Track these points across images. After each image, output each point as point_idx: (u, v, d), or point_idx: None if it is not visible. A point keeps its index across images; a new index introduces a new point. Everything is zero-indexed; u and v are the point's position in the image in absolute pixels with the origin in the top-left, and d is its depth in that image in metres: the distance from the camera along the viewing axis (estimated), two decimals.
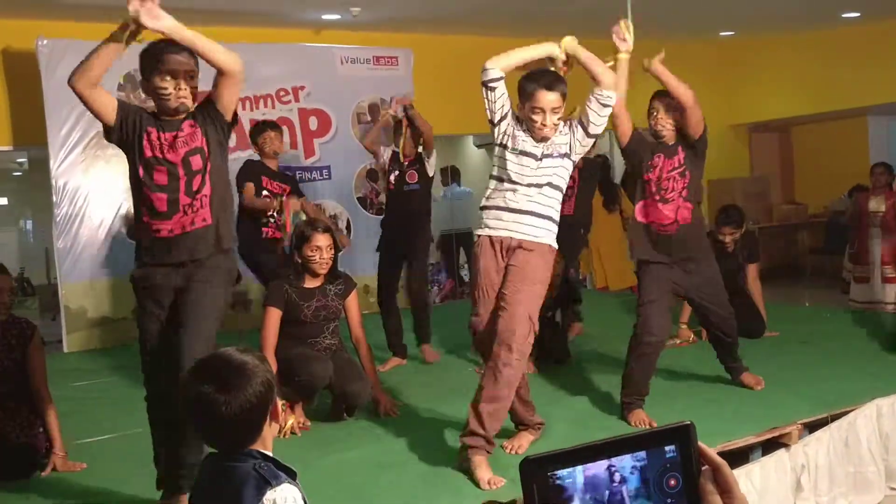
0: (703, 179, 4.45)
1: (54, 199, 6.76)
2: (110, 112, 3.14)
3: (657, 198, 4.22)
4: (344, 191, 7.97)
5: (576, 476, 0.91)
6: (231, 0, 7.08)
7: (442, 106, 9.09)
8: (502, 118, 3.54)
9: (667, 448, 0.92)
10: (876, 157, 9.28)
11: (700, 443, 0.93)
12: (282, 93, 7.62)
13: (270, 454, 1.80)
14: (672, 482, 0.92)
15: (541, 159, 3.48)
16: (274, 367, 3.97)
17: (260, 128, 5.86)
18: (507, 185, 3.50)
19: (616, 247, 8.57)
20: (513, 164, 3.49)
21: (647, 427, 3.90)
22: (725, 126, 10.95)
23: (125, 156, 3.20)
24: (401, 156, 5.65)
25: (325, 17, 7.93)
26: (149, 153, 3.11)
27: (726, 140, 10.96)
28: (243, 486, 1.70)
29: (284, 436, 4.02)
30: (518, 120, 3.54)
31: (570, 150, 3.53)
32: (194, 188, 3.11)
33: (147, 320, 3.16)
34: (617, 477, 0.91)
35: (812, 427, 3.98)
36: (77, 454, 3.98)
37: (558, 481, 0.91)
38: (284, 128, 7.58)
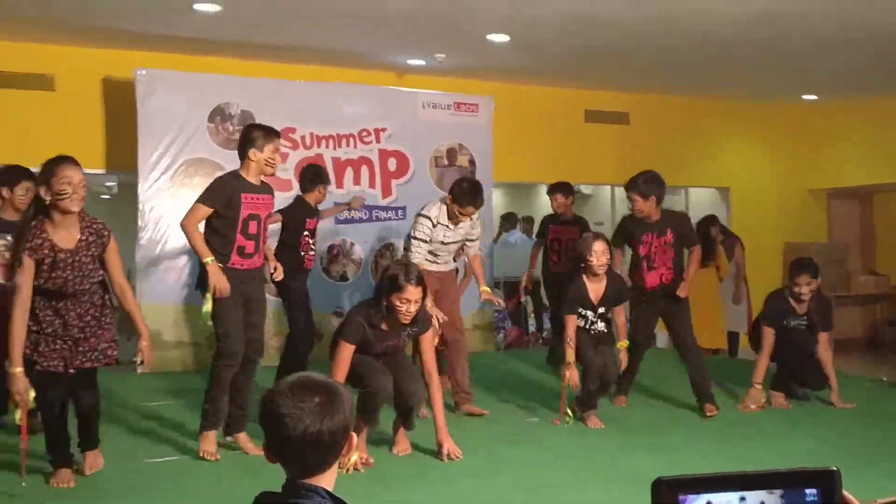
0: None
1: (140, 222, 6.99)
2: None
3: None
4: None
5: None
6: (321, 39, 7.30)
7: (518, 154, 9.18)
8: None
9: (808, 491, 0.91)
10: None
11: (844, 492, 0.91)
12: (364, 133, 7.80)
13: (332, 491, 1.82)
14: None
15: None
16: None
17: (321, 177, 6.14)
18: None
19: (705, 304, 8.25)
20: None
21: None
22: (804, 190, 10.77)
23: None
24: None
25: (411, 61, 8.11)
26: None
27: (804, 204, 10.77)
28: None
29: (347, 471, 4.04)
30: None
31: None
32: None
33: None
34: None
35: None
36: (141, 474, 4.09)
37: None
38: (364, 167, 7.80)
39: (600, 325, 5.27)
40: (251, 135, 4.44)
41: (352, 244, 7.73)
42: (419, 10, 6.38)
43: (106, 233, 3.97)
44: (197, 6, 6.22)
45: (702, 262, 8.05)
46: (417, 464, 4.31)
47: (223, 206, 4.31)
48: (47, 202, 3.77)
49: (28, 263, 3.74)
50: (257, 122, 7.35)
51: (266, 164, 4.41)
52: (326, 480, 1.81)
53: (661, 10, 6.37)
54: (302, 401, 1.77)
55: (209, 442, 4.41)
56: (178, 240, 7.07)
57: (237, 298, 4.37)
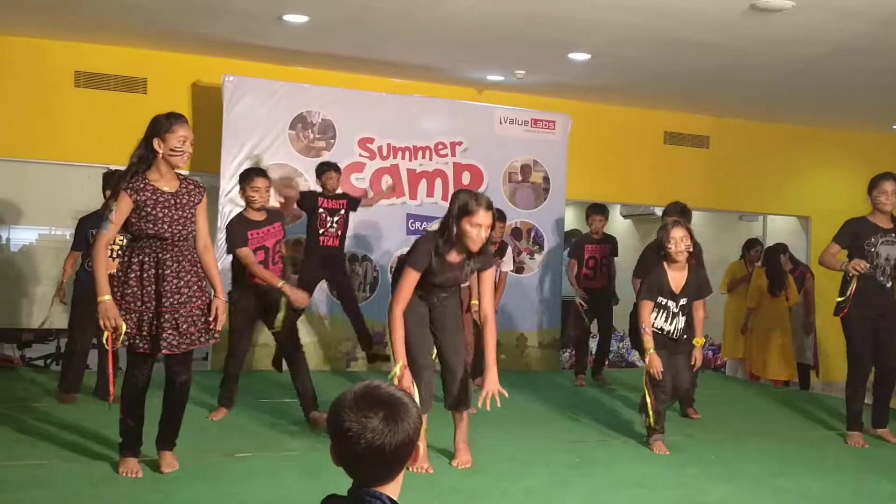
0: None
1: (219, 223, 7.18)
2: None
3: None
4: None
5: None
6: (403, 54, 7.41)
7: (593, 173, 9.13)
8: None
9: None
10: None
11: None
12: (440, 146, 7.87)
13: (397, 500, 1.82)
14: None
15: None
16: (401, 326, 4.16)
17: (324, 167, 6.75)
18: None
19: (775, 335, 8.04)
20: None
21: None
22: None
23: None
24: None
25: (490, 77, 8.17)
26: None
27: None
28: None
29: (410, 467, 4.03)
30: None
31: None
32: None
33: None
34: None
35: None
36: (206, 470, 4.18)
37: None
38: (438, 179, 7.87)
39: (681, 322, 5.04)
40: (241, 177, 5.37)
41: None
42: (502, 27, 6.42)
43: (202, 187, 4.13)
44: (286, 17, 6.38)
45: (772, 292, 7.92)
46: (478, 479, 4.30)
47: (242, 243, 5.24)
48: (160, 154, 3.92)
49: (125, 200, 3.86)
50: (337, 131, 7.58)
51: (249, 200, 5.25)
52: (391, 489, 1.81)
53: (748, 34, 6.28)
54: (365, 416, 1.75)
55: (218, 413, 5.39)
56: None
57: (252, 309, 5.38)
